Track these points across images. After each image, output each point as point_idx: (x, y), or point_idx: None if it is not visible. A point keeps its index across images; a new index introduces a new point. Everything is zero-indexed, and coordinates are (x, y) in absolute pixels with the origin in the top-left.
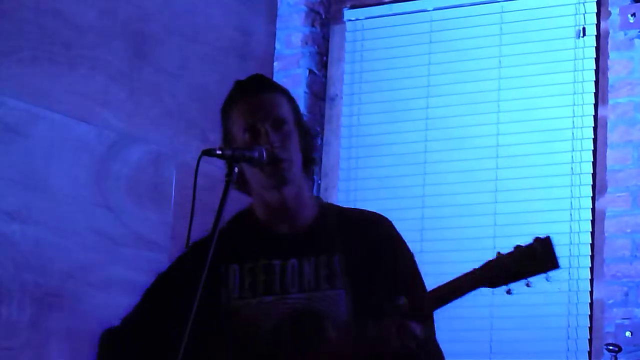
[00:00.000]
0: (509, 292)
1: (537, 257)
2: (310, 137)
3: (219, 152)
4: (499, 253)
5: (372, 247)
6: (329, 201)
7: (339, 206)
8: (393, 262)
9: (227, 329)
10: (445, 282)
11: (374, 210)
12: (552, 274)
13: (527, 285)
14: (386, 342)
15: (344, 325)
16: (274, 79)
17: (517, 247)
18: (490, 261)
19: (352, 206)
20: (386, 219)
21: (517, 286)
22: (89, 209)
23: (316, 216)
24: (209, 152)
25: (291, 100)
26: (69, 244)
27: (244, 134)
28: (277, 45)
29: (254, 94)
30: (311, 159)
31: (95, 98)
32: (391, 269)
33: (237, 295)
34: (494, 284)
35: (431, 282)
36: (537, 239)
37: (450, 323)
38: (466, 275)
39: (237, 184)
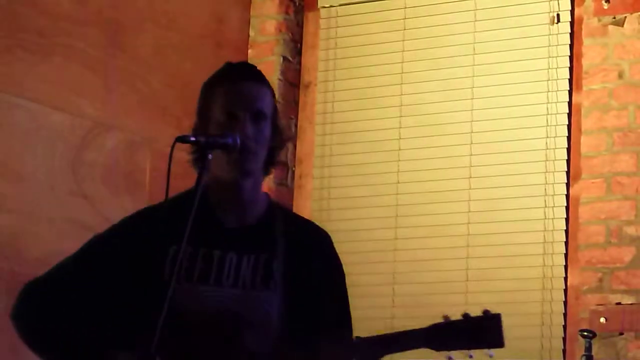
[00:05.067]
0: (449, 358)
1: (484, 333)
2: (281, 138)
3: (193, 139)
4: (446, 317)
5: (311, 258)
6: (304, 188)
7: (285, 209)
8: (326, 278)
9: (155, 307)
10: (388, 332)
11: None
12: (526, 262)
13: (469, 356)
14: None
15: (271, 331)
16: None
17: (466, 317)
18: (438, 325)
19: (327, 194)
20: (327, 234)
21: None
22: (64, 197)
23: (264, 214)
24: (183, 139)
25: (273, 97)
26: (44, 232)
27: (222, 115)
28: (251, 33)
29: (244, 81)
30: (274, 160)
31: (70, 86)
32: (323, 284)
33: (169, 276)
34: (437, 348)
35: (406, 269)
36: (487, 314)
37: (424, 309)
38: (412, 332)
39: (195, 163)
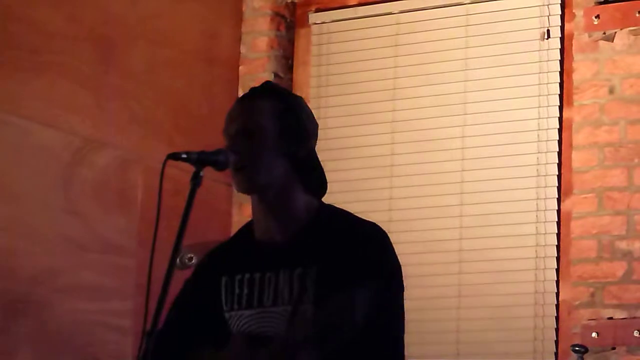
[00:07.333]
0: None
1: None
2: (299, 143)
3: (184, 156)
4: None
5: (342, 263)
6: None
7: (336, 215)
8: (347, 274)
9: (215, 340)
10: None
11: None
12: (518, 277)
13: None
14: None
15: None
16: (240, 83)
17: None
18: None
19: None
20: (367, 234)
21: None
22: (55, 214)
23: (306, 225)
24: (174, 156)
25: (282, 107)
26: (36, 249)
27: (225, 140)
28: (243, 49)
29: (241, 100)
30: (301, 165)
31: (62, 103)
32: (344, 281)
33: (227, 307)
34: None
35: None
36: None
37: (417, 325)
38: None
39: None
